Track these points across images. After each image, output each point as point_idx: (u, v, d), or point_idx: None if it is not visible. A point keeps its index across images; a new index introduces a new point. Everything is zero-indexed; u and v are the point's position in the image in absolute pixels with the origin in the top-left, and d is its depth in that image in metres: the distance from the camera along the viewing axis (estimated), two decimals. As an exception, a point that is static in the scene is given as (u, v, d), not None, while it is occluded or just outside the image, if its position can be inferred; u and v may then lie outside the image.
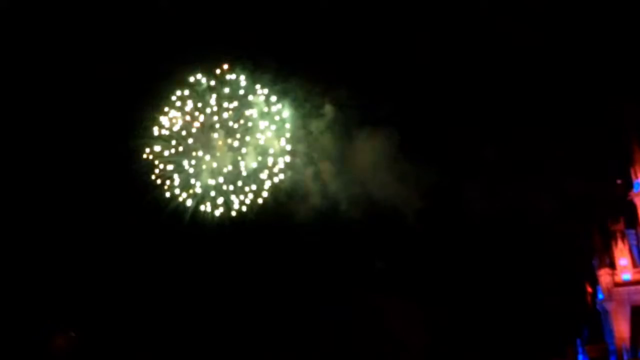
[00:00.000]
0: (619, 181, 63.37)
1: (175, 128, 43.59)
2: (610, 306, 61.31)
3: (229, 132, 44.23)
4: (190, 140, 43.61)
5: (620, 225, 62.78)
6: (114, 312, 55.84)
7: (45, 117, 53.80)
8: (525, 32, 57.87)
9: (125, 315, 55.72)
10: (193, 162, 44.32)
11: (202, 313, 58.02)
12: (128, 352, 55.42)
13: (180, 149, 43.77)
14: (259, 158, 45.47)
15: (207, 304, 57.01)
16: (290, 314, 59.33)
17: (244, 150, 44.96)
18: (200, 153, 43.64)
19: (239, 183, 45.02)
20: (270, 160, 45.70)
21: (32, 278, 54.34)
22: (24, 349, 51.13)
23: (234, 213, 44.49)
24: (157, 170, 44.70)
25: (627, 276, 61.61)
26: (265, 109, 45.44)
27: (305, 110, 46.88)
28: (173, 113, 43.80)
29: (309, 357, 58.48)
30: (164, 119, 43.68)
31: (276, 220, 49.57)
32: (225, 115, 44.98)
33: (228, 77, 44.54)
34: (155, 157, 44.30)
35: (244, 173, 44.41)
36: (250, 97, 45.15)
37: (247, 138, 45.09)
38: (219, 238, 48.59)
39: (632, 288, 61.10)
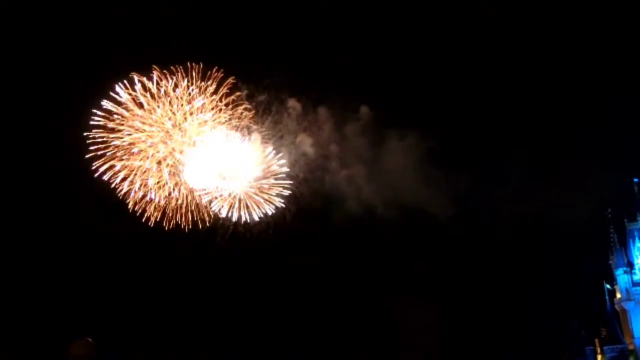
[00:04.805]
0: (636, 180, 63.38)
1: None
2: (628, 305, 61.40)
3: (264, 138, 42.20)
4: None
5: (638, 224, 62.88)
6: (133, 317, 54.42)
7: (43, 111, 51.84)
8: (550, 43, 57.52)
9: (145, 319, 54.34)
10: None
11: (219, 318, 56.86)
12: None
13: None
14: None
15: (226, 310, 55.78)
16: (304, 314, 58.60)
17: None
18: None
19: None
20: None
21: (50, 285, 52.74)
22: (42, 356, 49.49)
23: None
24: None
25: (645, 275, 61.77)
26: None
27: (341, 114, 45.29)
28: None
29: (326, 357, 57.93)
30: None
31: (311, 224, 48.33)
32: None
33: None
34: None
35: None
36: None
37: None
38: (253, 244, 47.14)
39: (651, 287, 61.33)
